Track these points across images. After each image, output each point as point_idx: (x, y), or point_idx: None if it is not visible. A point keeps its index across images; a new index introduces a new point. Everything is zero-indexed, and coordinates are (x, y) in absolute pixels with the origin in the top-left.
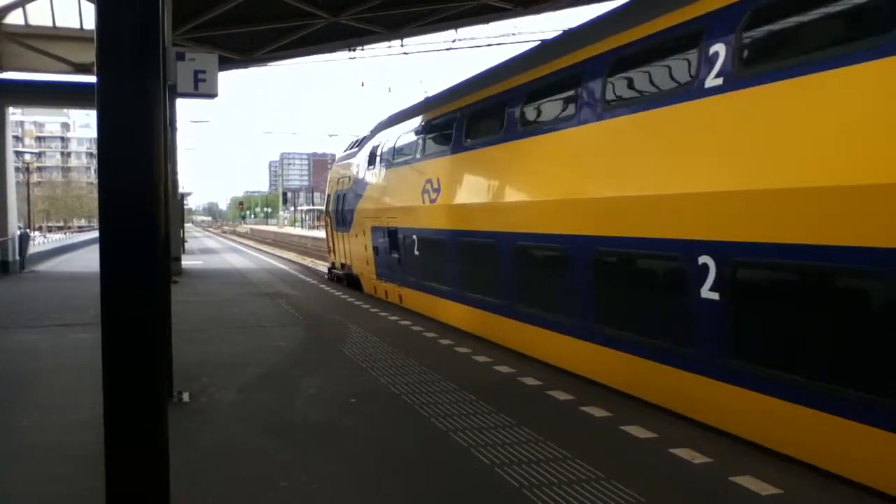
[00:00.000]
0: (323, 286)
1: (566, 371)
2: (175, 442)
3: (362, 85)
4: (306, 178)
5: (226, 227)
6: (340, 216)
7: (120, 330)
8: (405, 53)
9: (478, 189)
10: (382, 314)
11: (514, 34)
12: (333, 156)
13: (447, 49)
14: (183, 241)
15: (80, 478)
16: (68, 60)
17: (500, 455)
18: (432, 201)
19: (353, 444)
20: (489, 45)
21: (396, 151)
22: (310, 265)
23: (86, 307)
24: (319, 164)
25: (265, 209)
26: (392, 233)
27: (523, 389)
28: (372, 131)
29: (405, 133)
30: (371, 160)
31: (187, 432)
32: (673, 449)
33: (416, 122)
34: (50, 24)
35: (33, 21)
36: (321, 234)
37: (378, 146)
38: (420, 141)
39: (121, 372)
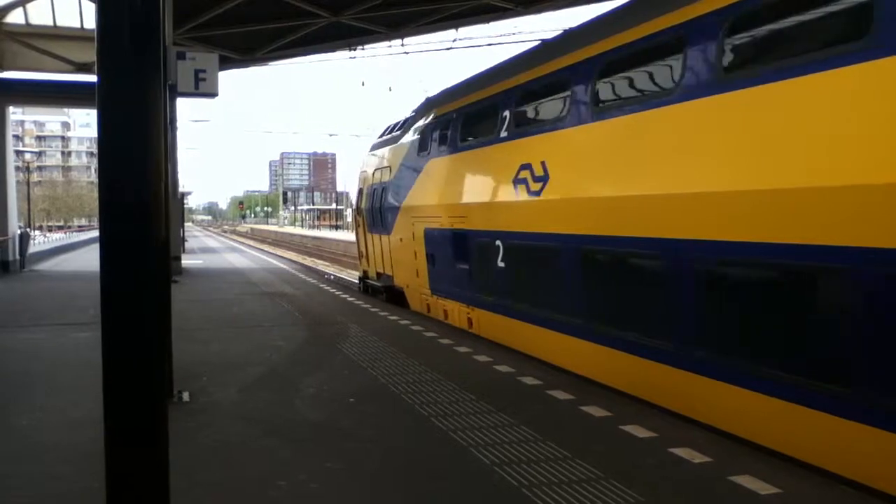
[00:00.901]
0: (323, 286)
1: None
2: (175, 441)
3: (362, 84)
4: (306, 177)
5: (226, 227)
6: (377, 215)
7: (120, 329)
8: (405, 53)
9: (635, 174)
10: (382, 314)
11: (514, 34)
12: (333, 155)
13: (447, 49)
14: (183, 240)
15: (80, 477)
16: (69, 60)
17: (500, 454)
18: (533, 194)
19: (352, 444)
20: (489, 44)
21: (464, 131)
22: (310, 265)
23: (86, 306)
24: (320, 163)
25: (265, 209)
26: (459, 237)
27: (523, 389)
28: (418, 110)
29: (478, 107)
30: (422, 145)
31: (187, 432)
32: (672, 448)
33: (499, 89)
34: (51, 23)
35: (34, 20)
36: (321, 234)
37: (432, 127)
38: (507, 114)
39: (121, 371)
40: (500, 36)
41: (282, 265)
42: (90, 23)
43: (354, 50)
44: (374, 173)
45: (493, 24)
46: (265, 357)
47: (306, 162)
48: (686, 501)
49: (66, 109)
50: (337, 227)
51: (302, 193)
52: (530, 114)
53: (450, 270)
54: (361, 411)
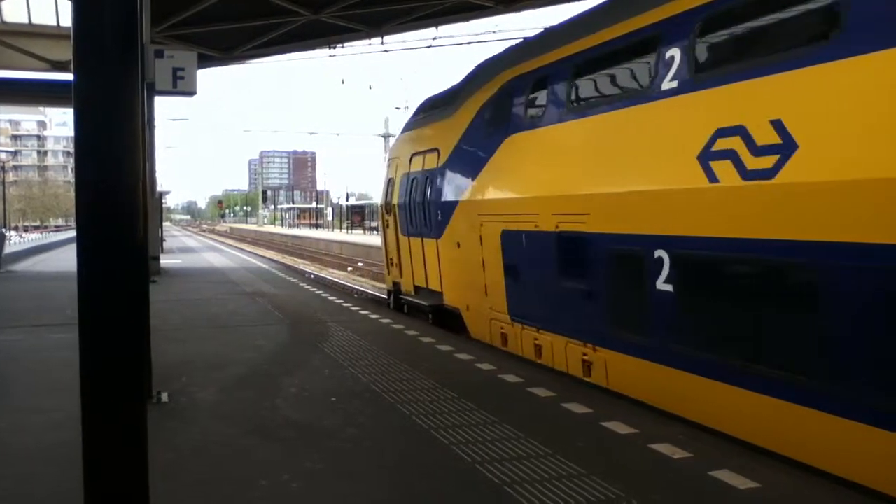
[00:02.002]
0: (304, 285)
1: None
2: (155, 442)
3: (342, 83)
4: (286, 176)
5: (205, 226)
6: (417, 213)
7: (98, 330)
8: (385, 51)
9: None
10: (363, 313)
11: (494, 32)
12: (314, 154)
13: (428, 47)
14: (161, 239)
15: (59, 479)
16: (45, 58)
17: (483, 452)
18: (753, 176)
19: (334, 443)
20: (469, 42)
21: (580, 90)
22: (290, 264)
23: (63, 307)
24: (300, 162)
25: (245, 208)
26: (572, 244)
27: (505, 387)
28: (478, 74)
29: (607, 52)
30: (494, 118)
31: (167, 432)
32: (653, 444)
33: (662, 16)
34: (26, 20)
35: (8, 18)
36: (301, 232)
37: (510, 93)
38: (683, 53)
39: (99, 372)
40: (481, 34)
41: (262, 264)
42: (67, 21)
43: (334, 48)
44: (411, 159)
45: (473, 22)
46: (246, 357)
47: (286, 160)
48: (667, 497)
49: (42, 108)
50: (317, 226)
51: (282, 192)
52: (740, 46)
53: (549, 291)
54: (343, 410)
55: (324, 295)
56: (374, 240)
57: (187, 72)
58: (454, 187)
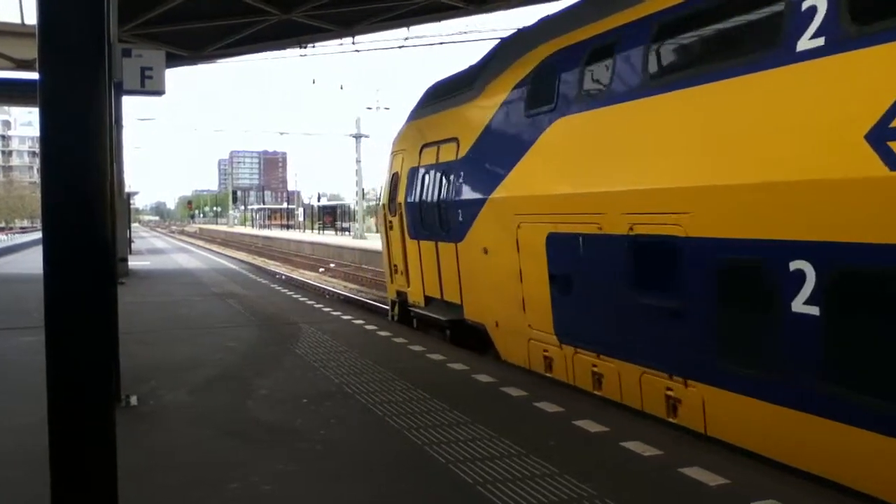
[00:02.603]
0: (274, 286)
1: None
2: (123, 445)
3: (313, 82)
4: (257, 176)
5: (174, 227)
6: (431, 213)
7: (64, 332)
8: (357, 51)
9: None
10: (335, 313)
11: (466, 32)
12: (284, 154)
13: (399, 47)
14: (130, 241)
15: (27, 483)
16: (9, 56)
17: (456, 452)
18: None
19: (306, 445)
20: (441, 42)
21: (662, 57)
22: (261, 265)
23: (30, 309)
24: (270, 162)
25: (215, 208)
26: (657, 251)
27: (477, 387)
28: (506, 47)
29: (708, 6)
30: (534, 97)
31: (136, 436)
32: (624, 442)
33: None
34: None
35: None
36: (272, 233)
37: (556, 66)
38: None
39: (66, 375)
40: (452, 35)
41: (232, 265)
42: (32, 18)
43: (305, 48)
44: (422, 152)
45: (444, 22)
46: (216, 358)
47: (256, 161)
48: (638, 494)
49: (6, 108)
50: (288, 227)
51: (252, 193)
52: None
53: (617, 308)
54: (315, 412)
55: (295, 296)
56: (346, 241)
57: (155, 71)
58: (480, 182)
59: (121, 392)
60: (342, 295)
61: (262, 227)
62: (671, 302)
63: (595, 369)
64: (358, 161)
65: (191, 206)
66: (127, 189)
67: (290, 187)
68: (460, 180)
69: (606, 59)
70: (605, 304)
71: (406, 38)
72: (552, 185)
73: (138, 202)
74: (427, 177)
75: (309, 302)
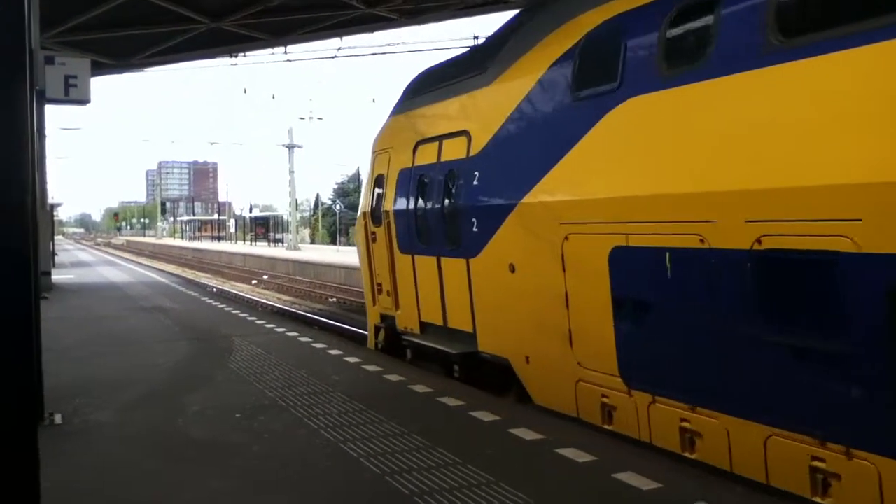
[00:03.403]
0: (205, 299)
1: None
2: (46, 466)
3: (245, 92)
4: (186, 187)
5: (100, 239)
6: (430, 223)
7: None
8: (289, 61)
9: None
10: (269, 326)
11: (399, 44)
12: (215, 164)
13: (332, 57)
14: (53, 254)
15: None
16: None
17: (392, 464)
18: None
19: (240, 461)
20: (374, 54)
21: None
22: (191, 277)
23: None
24: (200, 172)
25: (142, 220)
26: (806, 270)
27: (414, 397)
28: (530, 19)
29: None
30: (590, 75)
31: (61, 456)
32: (559, 449)
33: None
34: None
35: None
36: (202, 245)
37: (629, 31)
38: None
39: None
40: (385, 46)
41: (161, 279)
42: None
43: (236, 57)
44: (416, 150)
45: (377, 34)
46: (145, 375)
47: (186, 171)
48: (574, 500)
49: None
50: (219, 239)
51: (182, 204)
52: None
53: (731, 348)
54: (249, 427)
55: (227, 309)
56: (279, 252)
57: (80, 79)
58: (504, 184)
59: (44, 410)
60: (276, 307)
61: (193, 238)
62: (826, 341)
63: (686, 425)
64: (291, 171)
65: (117, 217)
66: (50, 200)
67: (222, 198)
68: (474, 182)
69: (704, 17)
70: (709, 341)
71: (339, 49)
72: (620, 184)
73: (62, 214)
74: (425, 179)
75: (241, 315)
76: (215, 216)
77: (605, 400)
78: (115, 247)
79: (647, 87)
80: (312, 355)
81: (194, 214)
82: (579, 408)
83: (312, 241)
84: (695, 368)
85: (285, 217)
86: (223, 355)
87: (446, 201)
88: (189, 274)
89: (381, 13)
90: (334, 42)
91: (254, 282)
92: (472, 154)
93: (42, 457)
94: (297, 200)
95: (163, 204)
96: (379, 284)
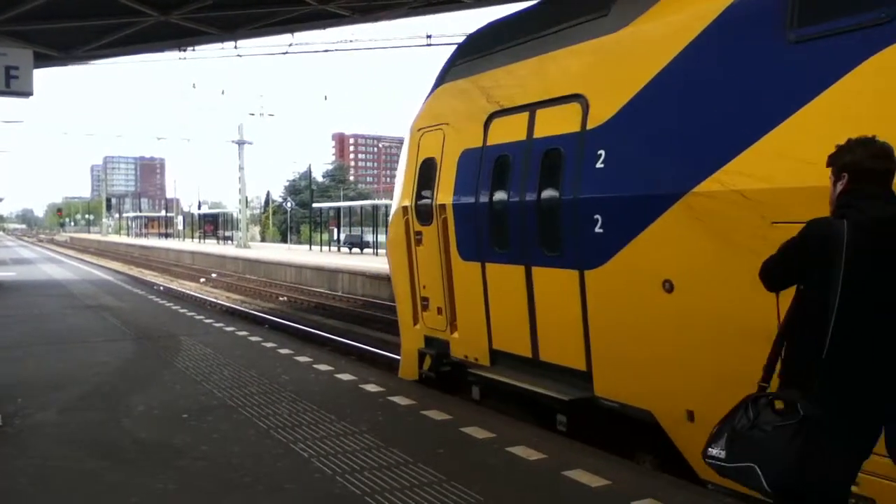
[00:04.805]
0: (152, 297)
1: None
2: None
3: (193, 87)
4: (133, 183)
5: (42, 236)
6: (515, 220)
7: None
8: (239, 56)
9: None
10: (217, 325)
11: (351, 41)
12: (162, 160)
13: (283, 53)
14: None
15: None
16: None
17: (343, 464)
18: None
19: (187, 462)
20: (326, 50)
21: None
22: (137, 275)
23: None
24: (147, 168)
25: (87, 216)
26: None
27: (365, 396)
28: None
29: None
30: (830, 2)
31: (1, 458)
32: (510, 448)
33: None
34: None
35: None
36: (149, 242)
37: None
38: None
39: None
40: (338, 42)
41: (106, 276)
42: None
43: (184, 51)
44: (491, 123)
45: (329, 30)
46: (89, 375)
47: (132, 167)
48: (524, 497)
49: None
50: (167, 236)
51: (128, 200)
52: None
53: None
54: (196, 427)
55: (175, 307)
56: (229, 250)
57: (22, 71)
58: (657, 166)
59: None
60: (225, 306)
61: (139, 235)
62: None
63: None
64: (241, 168)
65: (61, 213)
66: None
67: (169, 194)
68: (598, 164)
69: None
70: None
71: (290, 45)
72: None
73: (3, 209)
74: (507, 162)
75: (189, 313)
76: (163, 213)
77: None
78: (59, 244)
79: None
80: (262, 355)
81: (141, 211)
82: None
83: (263, 239)
84: None
85: (235, 214)
86: (170, 355)
87: (544, 191)
88: (135, 272)
89: (333, 10)
90: (286, 38)
91: (202, 280)
92: (591, 126)
93: None
94: (247, 197)
95: (108, 200)
96: (424, 299)
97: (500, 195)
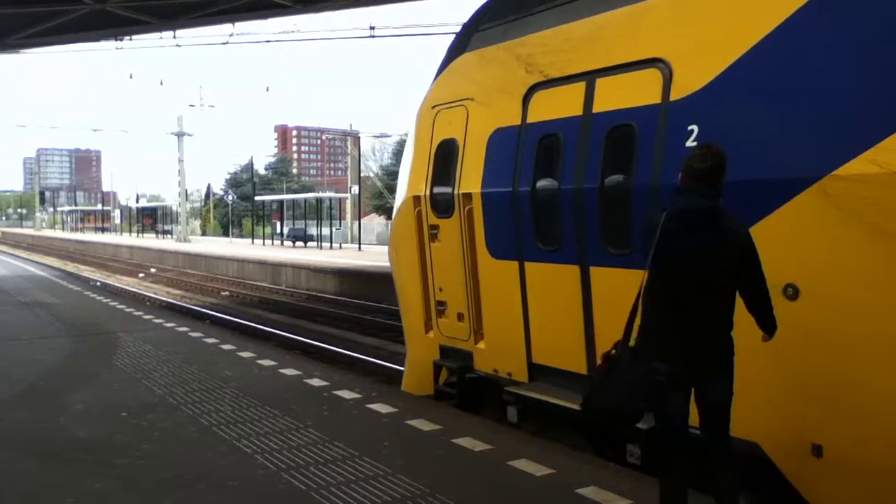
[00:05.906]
0: (89, 293)
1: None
2: None
3: (131, 77)
4: (68, 176)
5: None
6: (563, 213)
7: None
8: (178, 46)
9: None
10: (157, 321)
11: (293, 31)
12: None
13: (224, 43)
14: None
15: None
16: None
17: (288, 459)
18: None
19: (126, 461)
20: (268, 41)
21: None
22: (73, 271)
23: None
24: (83, 161)
25: (19, 210)
26: None
27: (309, 391)
28: None
29: None
30: None
31: None
32: (456, 439)
33: None
34: None
35: None
36: (85, 237)
37: None
38: None
39: None
40: (280, 33)
41: (41, 272)
42: None
43: (121, 40)
44: (532, 96)
45: (271, 21)
46: (23, 373)
47: (67, 159)
48: (470, 487)
49: None
50: (104, 230)
51: (63, 193)
52: None
53: None
54: (136, 425)
55: (112, 303)
56: (168, 244)
57: None
58: (777, 144)
59: None
60: (164, 301)
61: (75, 230)
62: None
63: None
64: (180, 160)
65: None
66: None
67: (106, 188)
68: (688, 143)
69: None
70: None
71: (231, 35)
72: None
73: None
74: (554, 143)
75: (128, 309)
76: (99, 206)
77: None
78: None
79: None
80: (204, 351)
81: (76, 204)
82: None
83: (204, 233)
84: None
85: (174, 208)
86: (108, 352)
87: (609, 177)
88: (71, 267)
89: (275, 0)
90: (226, 28)
91: (141, 275)
92: (676, 96)
93: None
94: (186, 190)
95: (42, 193)
96: (441, 303)
97: (546, 182)
